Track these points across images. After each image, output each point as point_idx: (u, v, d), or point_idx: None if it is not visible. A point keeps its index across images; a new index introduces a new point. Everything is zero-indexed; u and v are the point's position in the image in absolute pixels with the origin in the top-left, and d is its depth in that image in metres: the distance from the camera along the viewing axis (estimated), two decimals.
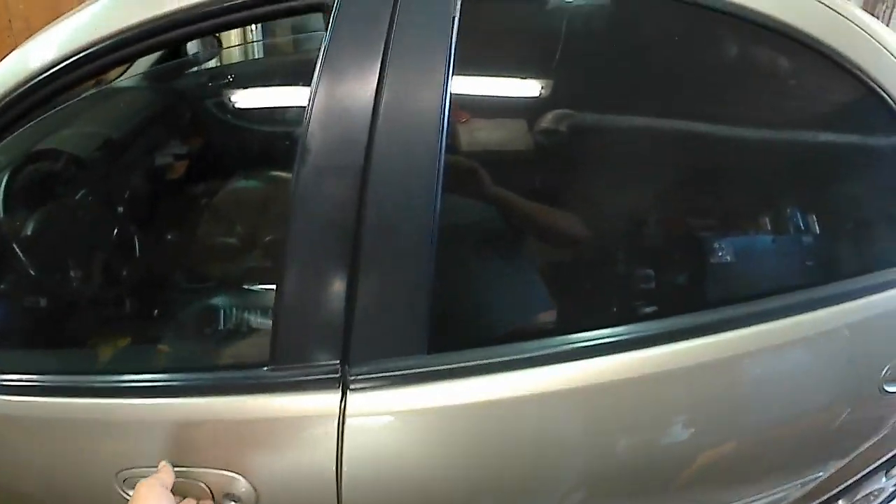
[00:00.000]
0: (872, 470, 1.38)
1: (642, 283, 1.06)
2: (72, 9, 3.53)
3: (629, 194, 1.09)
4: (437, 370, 0.89)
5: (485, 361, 0.90)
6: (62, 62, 0.98)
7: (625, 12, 1.11)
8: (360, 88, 0.87)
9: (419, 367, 0.89)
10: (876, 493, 1.62)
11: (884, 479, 1.56)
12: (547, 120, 1.04)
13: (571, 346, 0.94)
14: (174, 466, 0.91)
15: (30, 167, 1.43)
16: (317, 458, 0.91)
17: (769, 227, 1.13)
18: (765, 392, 1.05)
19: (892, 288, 1.08)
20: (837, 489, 1.34)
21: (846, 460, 1.24)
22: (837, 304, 1.04)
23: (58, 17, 3.65)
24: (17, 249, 1.32)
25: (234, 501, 0.94)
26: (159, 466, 0.89)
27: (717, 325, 0.99)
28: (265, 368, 0.91)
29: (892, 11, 3.88)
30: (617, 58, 1.10)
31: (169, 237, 1.46)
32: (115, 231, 1.40)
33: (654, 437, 1.00)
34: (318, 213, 0.88)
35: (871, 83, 1.06)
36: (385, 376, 0.89)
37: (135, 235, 1.40)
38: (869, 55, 1.06)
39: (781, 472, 1.18)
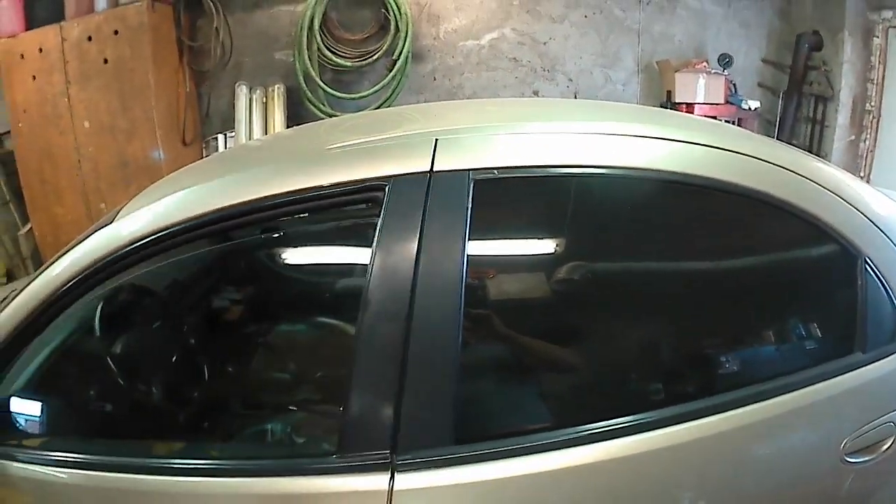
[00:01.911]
0: None
1: (628, 386, 1.35)
2: (135, 156, 4.03)
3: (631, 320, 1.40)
4: (462, 456, 1.18)
5: (498, 449, 1.19)
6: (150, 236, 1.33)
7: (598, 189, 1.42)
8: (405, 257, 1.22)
9: (448, 455, 1.18)
10: None
11: None
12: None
13: (571, 435, 1.22)
14: None
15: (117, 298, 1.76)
16: None
17: (740, 337, 1.41)
18: (740, 469, 1.29)
19: (843, 374, 1.33)
20: None
21: None
22: (798, 389, 1.30)
23: (121, 162, 4.13)
24: (111, 363, 1.64)
25: None
26: None
27: (695, 413, 1.25)
28: (333, 456, 1.21)
29: (877, 122, 4.18)
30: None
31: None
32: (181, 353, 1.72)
33: None
34: (375, 345, 1.21)
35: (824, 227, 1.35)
36: (422, 461, 1.17)
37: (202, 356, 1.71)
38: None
39: None
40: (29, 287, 1.39)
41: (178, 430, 1.61)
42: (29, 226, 4.89)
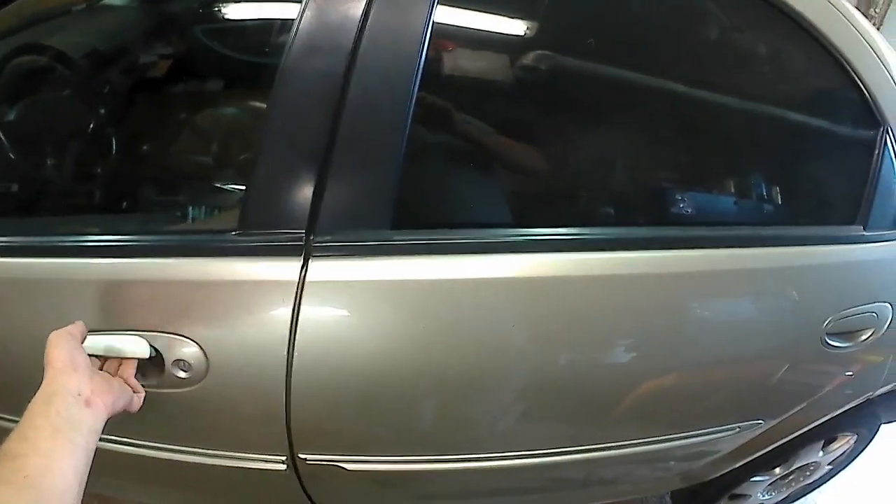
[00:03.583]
0: (809, 436, 1.44)
1: (595, 193, 1.13)
2: None
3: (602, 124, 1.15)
4: (398, 244, 0.93)
5: (442, 242, 0.95)
6: None
7: None
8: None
9: (381, 241, 0.93)
10: (812, 467, 1.68)
11: (820, 454, 1.62)
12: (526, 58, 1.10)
13: (523, 238, 1.00)
14: (130, 330, 0.94)
15: (18, 59, 1.46)
16: (273, 324, 0.94)
17: (730, 168, 1.21)
18: (710, 316, 1.10)
19: (839, 244, 1.17)
20: (773, 446, 1.39)
21: (785, 415, 1.29)
22: (788, 245, 1.13)
23: None
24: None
25: (184, 369, 0.96)
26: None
27: (671, 241, 1.06)
28: (232, 233, 0.94)
29: (884, 15, 3.95)
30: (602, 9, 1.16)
31: (142, 129, 1.48)
32: (92, 122, 1.42)
33: (597, 339, 1.05)
34: (303, 88, 0.93)
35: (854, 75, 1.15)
36: (347, 246, 0.92)
37: (110, 127, 1.42)
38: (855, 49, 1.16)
39: (719, 410, 1.23)
40: None
41: (61, 207, 1.33)
42: None
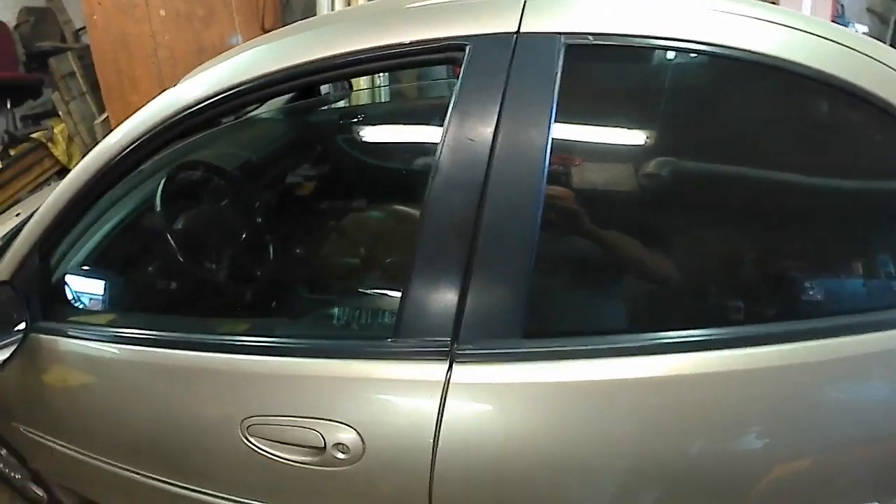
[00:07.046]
0: None
1: (722, 294, 1.18)
2: (212, 43, 4.02)
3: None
4: (530, 352, 1.05)
5: (572, 348, 1.05)
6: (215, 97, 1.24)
7: (705, 72, 1.24)
8: (483, 126, 1.08)
9: (515, 349, 1.05)
10: None
11: None
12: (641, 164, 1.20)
13: (650, 342, 1.06)
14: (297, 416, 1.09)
15: (183, 174, 1.71)
16: (421, 418, 1.07)
17: (840, 258, 1.20)
18: (830, 401, 1.11)
19: None
20: None
21: None
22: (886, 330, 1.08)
23: (198, 49, 4.12)
24: (171, 239, 1.59)
25: (343, 452, 1.11)
26: None
27: (776, 337, 1.07)
28: (388, 340, 1.10)
29: None
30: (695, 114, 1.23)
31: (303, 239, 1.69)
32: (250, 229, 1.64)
33: (730, 434, 1.08)
34: (444, 219, 1.08)
35: None
36: (486, 353, 1.05)
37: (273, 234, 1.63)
38: None
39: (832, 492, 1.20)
40: (85, 157, 1.34)
41: (233, 308, 1.56)
42: (105, 115, 4.93)
